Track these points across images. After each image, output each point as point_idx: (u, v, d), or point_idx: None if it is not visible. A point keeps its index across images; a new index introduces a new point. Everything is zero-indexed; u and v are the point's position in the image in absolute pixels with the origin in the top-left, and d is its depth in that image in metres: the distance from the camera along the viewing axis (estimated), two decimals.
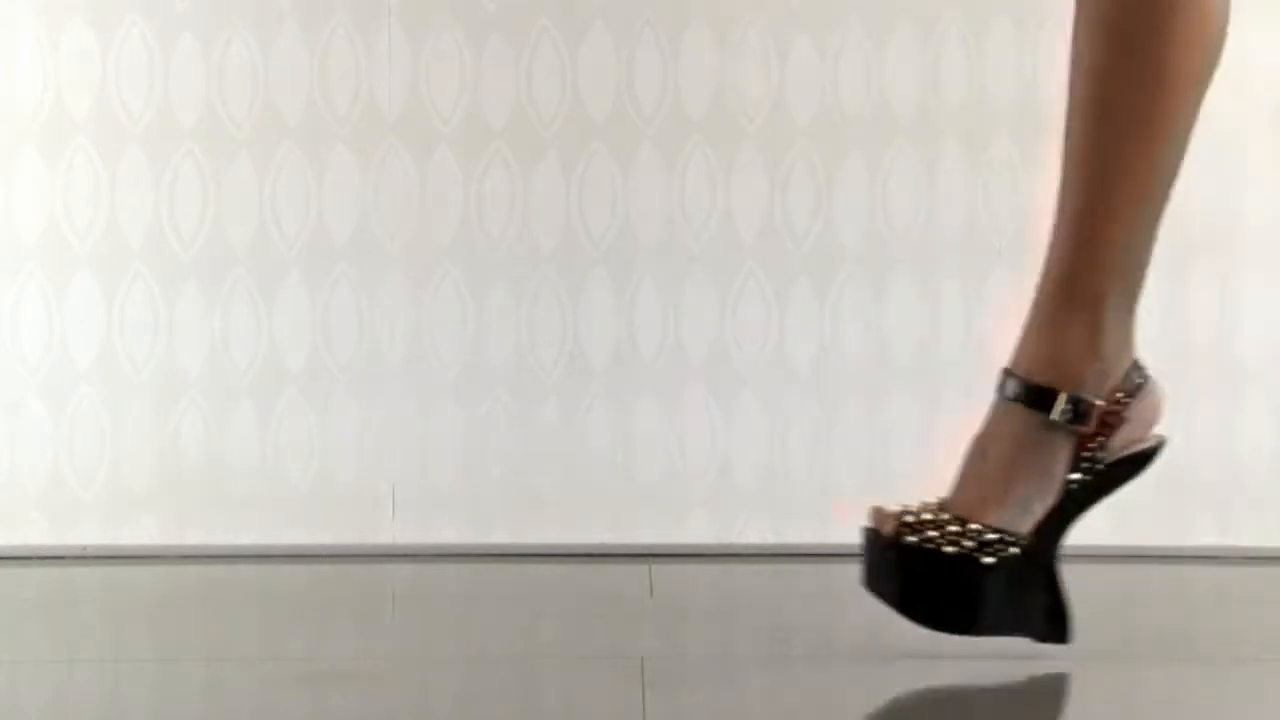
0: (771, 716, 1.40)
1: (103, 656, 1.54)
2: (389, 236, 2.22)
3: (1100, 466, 1.58)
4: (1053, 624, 1.56)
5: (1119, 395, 1.58)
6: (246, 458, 2.19)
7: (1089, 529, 2.22)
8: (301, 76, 2.21)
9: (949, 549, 1.53)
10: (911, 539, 1.55)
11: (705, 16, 2.22)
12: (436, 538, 2.20)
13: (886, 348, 2.23)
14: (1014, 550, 1.54)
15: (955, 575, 1.53)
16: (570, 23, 2.23)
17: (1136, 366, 1.60)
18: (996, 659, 1.59)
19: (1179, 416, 2.23)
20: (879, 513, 1.58)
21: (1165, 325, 2.23)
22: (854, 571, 1.58)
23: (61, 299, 2.20)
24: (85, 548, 2.17)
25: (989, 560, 1.53)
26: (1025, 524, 1.56)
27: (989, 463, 1.57)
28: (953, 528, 1.55)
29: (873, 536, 1.58)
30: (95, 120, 2.19)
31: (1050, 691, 1.45)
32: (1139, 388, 1.59)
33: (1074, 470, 1.57)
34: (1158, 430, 1.63)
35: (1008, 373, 1.61)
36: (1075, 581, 2.06)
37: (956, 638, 1.55)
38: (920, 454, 2.24)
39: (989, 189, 2.23)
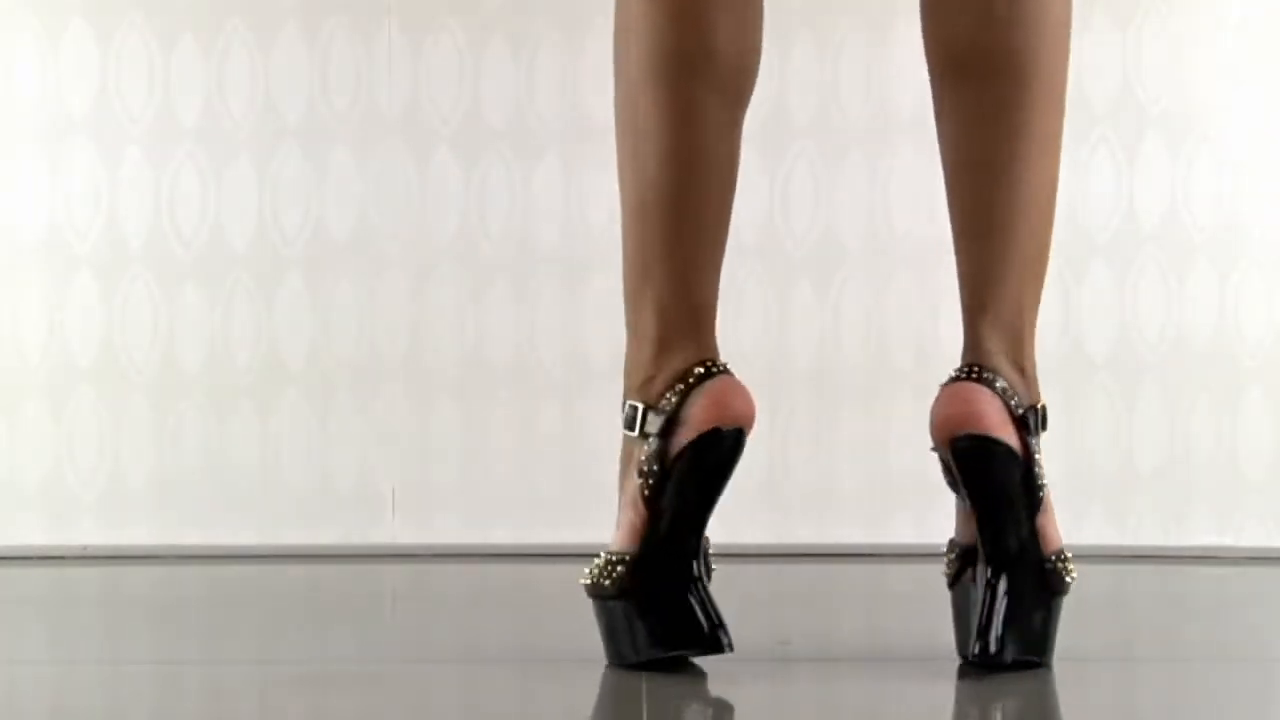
0: (771, 716, 1.40)
1: (102, 657, 1.54)
2: (389, 236, 2.22)
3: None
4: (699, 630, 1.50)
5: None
6: (246, 458, 2.19)
7: (1088, 529, 2.23)
8: (301, 76, 2.21)
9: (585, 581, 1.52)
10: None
11: None
12: (436, 538, 2.20)
13: (886, 348, 2.23)
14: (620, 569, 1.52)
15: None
16: (571, 24, 2.23)
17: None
18: None
19: (1179, 416, 2.24)
20: None
21: (1165, 326, 2.23)
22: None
23: (61, 299, 2.20)
24: (85, 548, 2.17)
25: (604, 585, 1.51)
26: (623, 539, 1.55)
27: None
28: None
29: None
30: (95, 120, 2.19)
31: (1050, 691, 1.45)
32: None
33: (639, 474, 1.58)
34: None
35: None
36: (1074, 581, 2.06)
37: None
38: (920, 454, 2.24)
39: None
